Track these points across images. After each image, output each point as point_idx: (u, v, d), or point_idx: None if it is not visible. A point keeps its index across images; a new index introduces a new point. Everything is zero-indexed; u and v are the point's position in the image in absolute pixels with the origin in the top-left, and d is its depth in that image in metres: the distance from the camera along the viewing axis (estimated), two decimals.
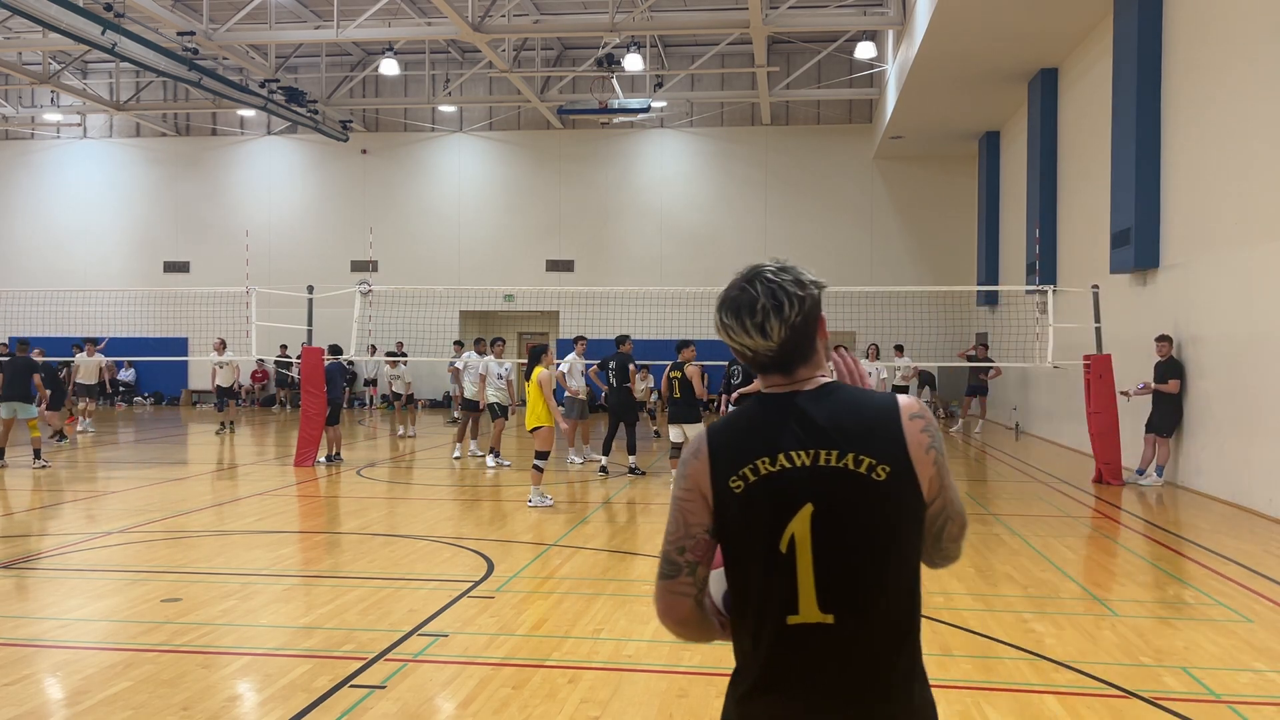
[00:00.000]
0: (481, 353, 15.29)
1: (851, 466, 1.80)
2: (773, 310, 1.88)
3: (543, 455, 10.40)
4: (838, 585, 1.79)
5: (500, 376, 14.48)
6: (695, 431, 11.92)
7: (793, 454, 1.82)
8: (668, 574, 1.91)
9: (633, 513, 10.41)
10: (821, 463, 1.81)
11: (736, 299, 1.92)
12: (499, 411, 14.42)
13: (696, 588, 1.90)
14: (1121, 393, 12.44)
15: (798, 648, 1.80)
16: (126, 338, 24.47)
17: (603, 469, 13.07)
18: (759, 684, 1.83)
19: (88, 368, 18.49)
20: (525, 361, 11.16)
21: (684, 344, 12.33)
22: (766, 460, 1.83)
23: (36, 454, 13.69)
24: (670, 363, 12.31)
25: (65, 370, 18.16)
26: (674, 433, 12.19)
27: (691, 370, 11.92)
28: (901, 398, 1.92)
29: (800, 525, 1.79)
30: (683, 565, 1.89)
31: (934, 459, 1.85)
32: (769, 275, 1.92)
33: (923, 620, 1.94)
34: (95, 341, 18.70)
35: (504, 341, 14.65)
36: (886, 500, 1.80)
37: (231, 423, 19.41)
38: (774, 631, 1.81)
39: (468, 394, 14.87)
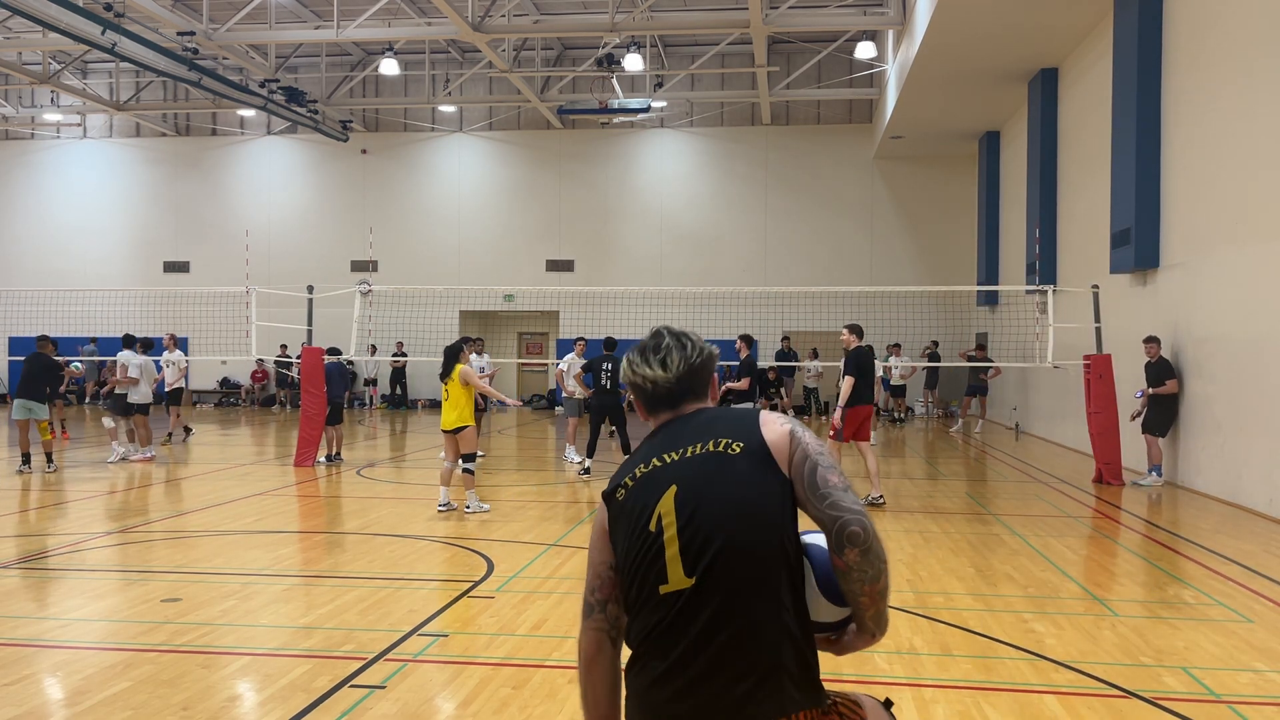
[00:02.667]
0: (479, 353, 15.41)
1: (711, 448, 2.05)
2: (675, 348, 2.21)
3: (470, 458, 10.01)
4: (698, 551, 1.94)
5: (482, 370, 14.64)
6: None
7: (665, 455, 2.09)
8: (584, 614, 2.17)
9: None
10: (688, 454, 2.06)
11: (645, 343, 2.27)
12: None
13: (608, 623, 2.12)
14: (1134, 416, 12.51)
15: (670, 614, 1.94)
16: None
17: (585, 470, 13.05)
18: (650, 659, 1.97)
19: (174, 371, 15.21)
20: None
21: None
22: (642, 466, 2.11)
23: (48, 458, 13.37)
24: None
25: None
26: None
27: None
28: (762, 412, 2.17)
29: (666, 504, 2.00)
30: (594, 604, 2.13)
31: (789, 431, 2.07)
32: (674, 329, 2.28)
33: (852, 607, 2.04)
34: (144, 342, 15.12)
35: (479, 340, 14.89)
36: (740, 468, 2.00)
37: (186, 428, 17.08)
38: (650, 604, 1.97)
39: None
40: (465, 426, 10.01)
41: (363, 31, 20.64)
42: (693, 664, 1.91)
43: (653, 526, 1.99)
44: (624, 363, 2.27)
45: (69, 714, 4.55)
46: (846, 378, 10.58)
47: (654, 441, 2.17)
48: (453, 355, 10.15)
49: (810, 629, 2.01)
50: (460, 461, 10.04)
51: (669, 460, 2.07)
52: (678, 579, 1.94)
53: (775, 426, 2.08)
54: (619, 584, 2.09)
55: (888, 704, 2.22)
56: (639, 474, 2.09)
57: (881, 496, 10.59)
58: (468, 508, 9.95)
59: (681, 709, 1.91)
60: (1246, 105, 10.59)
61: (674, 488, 2.01)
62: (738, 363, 12.76)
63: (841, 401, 10.53)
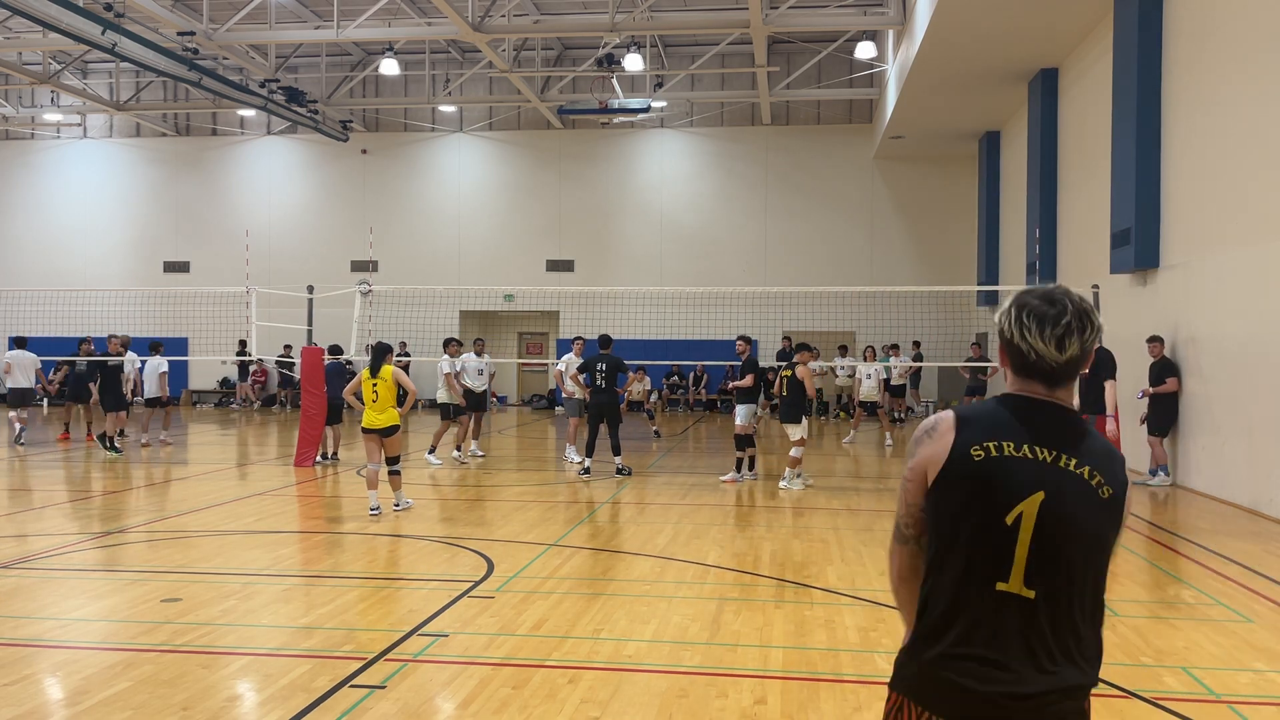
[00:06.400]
0: (479, 353, 15.56)
1: (1086, 477, 2.03)
2: (1076, 330, 2.07)
3: (398, 459, 10.12)
4: (1045, 567, 2.01)
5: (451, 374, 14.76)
6: (795, 431, 11.70)
7: (1038, 448, 2.04)
8: (899, 541, 2.25)
9: (632, 513, 10.41)
10: (1062, 464, 2.04)
11: (1043, 310, 2.08)
12: (451, 413, 14.59)
13: (922, 552, 2.20)
14: (1143, 419, 12.49)
15: (998, 611, 2.02)
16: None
17: (585, 470, 13.05)
18: (959, 640, 2.05)
19: (23, 367, 16.45)
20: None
21: (803, 347, 12.13)
22: (1012, 445, 2.05)
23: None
24: (785, 363, 12.27)
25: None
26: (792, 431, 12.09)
27: (803, 371, 11.79)
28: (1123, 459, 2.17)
29: (1030, 507, 2.00)
30: (909, 537, 2.22)
31: (1128, 504, 2.13)
32: (1076, 298, 2.11)
33: None
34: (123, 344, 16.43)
35: (459, 343, 14.99)
36: (1103, 514, 2.04)
37: (21, 432, 16.11)
38: (980, 594, 2.03)
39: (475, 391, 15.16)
40: (397, 428, 10.06)
41: (363, 31, 20.64)
42: (1024, 654, 2.01)
43: (1009, 520, 2.01)
44: (1009, 315, 2.12)
45: (69, 714, 4.55)
46: (1109, 382, 9.73)
47: (1022, 418, 2.10)
48: (380, 356, 10.15)
49: (1099, 617, 2.14)
50: (387, 464, 10.08)
51: (1040, 457, 2.04)
52: (1018, 584, 2.01)
53: (1130, 499, 2.13)
54: (929, 522, 2.15)
55: None
56: (1007, 451, 2.05)
57: None
58: (396, 505, 10.09)
59: (1011, 676, 2.01)
60: (1247, 105, 10.59)
61: (1042, 494, 2.01)
62: (740, 362, 12.76)
63: (1110, 409, 9.59)
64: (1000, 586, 2.01)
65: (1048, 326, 2.06)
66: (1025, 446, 2.04)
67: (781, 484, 11.97)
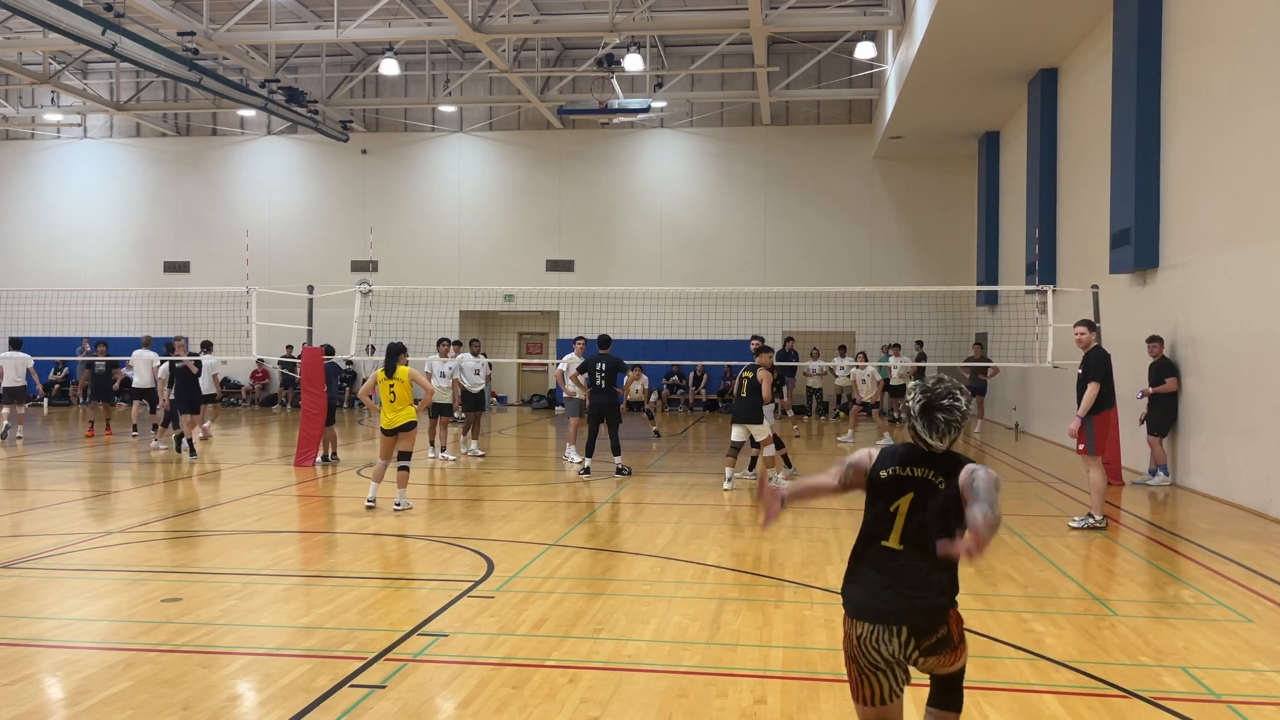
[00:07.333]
0: (475, 353, 15.54)
1: (933, 479, 3.38)
2: (947, 433, 3.39)
3: (408, 455, 10.27)
4: (910, 532, 3.35)
5: (443, 375, 14.77)
6: (759, 432, 11.72)
7: (913, 468, 3.43)
8: (834, 475, 3.57)
9: (632, 513, 10.42)
10: (920, 475, 3.41)
11: (931, 422, 3.38)
12: (440, 410, 14.69)
13: (843, 488, 3.58)
14: (1141, 419, 12.53)
15: (883, 557, 3.38)
16: (127, 338, 24.43)
17: (585, 470, 13.05)
18: (861, 572, 3.42)
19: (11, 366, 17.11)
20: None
21: (763, 349, 12.08)
22: (898, 468, 3.45)
23: (191, 447, 14.89)
24: (747, 363, 12.22)
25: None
26: (735, 432, 11.88)
27: (763, 374, 11.73)
28: (971, 462, 3.38)
29: (904, 501, 3.39)
30: (841, 482, 3.57)
31: (969, 469, 3.30)
32: (947, 407, 3.37)
33: None
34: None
35: (448, 342, 15.18)
36: (943, 497, 3.34)
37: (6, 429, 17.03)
38: (876, 548, 3.40)
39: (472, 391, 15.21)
40: (414, 424, 10.27)
41: (363, 32, 20.64)
42: (893, 583, 3.33)
43: (893, 509, 3.38)
44: (917, 418, 3.39)
45: (69, 714, 4.55)
46: (1091, 384, 9.18)
47: (907, 455, 3.45)
48: (394, 355, 10.28)
49: (952, 566, 3.36)
50: (399, 458, 10.25)
51: (915, 474, 3.40)
52: (894, 542, 3.36)
53: (965, 484, 3.26)
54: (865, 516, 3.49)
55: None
56: (895, 471, 3.42)
57: (1105, 518, 9.25)
58: (396, 505, 10.13)
59: (887, 597, 3.32)
60: (1246, 105, 10.59)
61: (912, 494, 3.37)
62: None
63: (1083, 410, 9.13)
64: (884, 543, 3.37)
65: (934, 434, 3.38)
66: (907, 468, 3.43)
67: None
